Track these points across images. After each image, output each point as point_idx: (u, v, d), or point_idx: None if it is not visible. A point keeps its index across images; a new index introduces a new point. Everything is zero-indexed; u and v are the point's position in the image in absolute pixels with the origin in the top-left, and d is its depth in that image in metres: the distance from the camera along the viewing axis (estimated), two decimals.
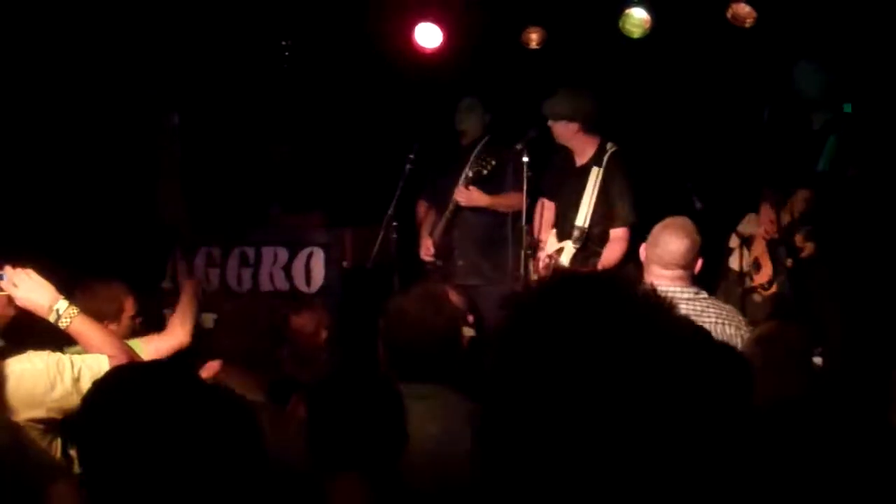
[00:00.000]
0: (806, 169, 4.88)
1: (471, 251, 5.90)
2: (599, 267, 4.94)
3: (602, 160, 5.20)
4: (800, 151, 5.00)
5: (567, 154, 5.26)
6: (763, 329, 3.41)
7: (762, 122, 5.29)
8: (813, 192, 4.80)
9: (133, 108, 6.62)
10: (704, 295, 3.58)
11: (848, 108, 5.45)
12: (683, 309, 3.43)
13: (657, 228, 3.67)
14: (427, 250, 6.09)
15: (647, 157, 6.52)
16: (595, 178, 5.17)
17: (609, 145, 5.23)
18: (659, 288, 3.57)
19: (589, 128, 5.27)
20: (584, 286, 1.20)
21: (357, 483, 2.09)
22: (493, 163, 5.57)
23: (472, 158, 5.90)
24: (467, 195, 5.76)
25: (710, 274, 5.76)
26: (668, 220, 3.72)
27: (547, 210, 5.44)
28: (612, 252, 5.12)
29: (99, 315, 3.52)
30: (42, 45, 5.62)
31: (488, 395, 1.20)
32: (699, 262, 3.65)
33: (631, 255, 5.07)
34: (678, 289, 3.50)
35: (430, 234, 6.09)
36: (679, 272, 3.54)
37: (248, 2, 6.18)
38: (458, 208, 5.87)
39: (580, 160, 5.29)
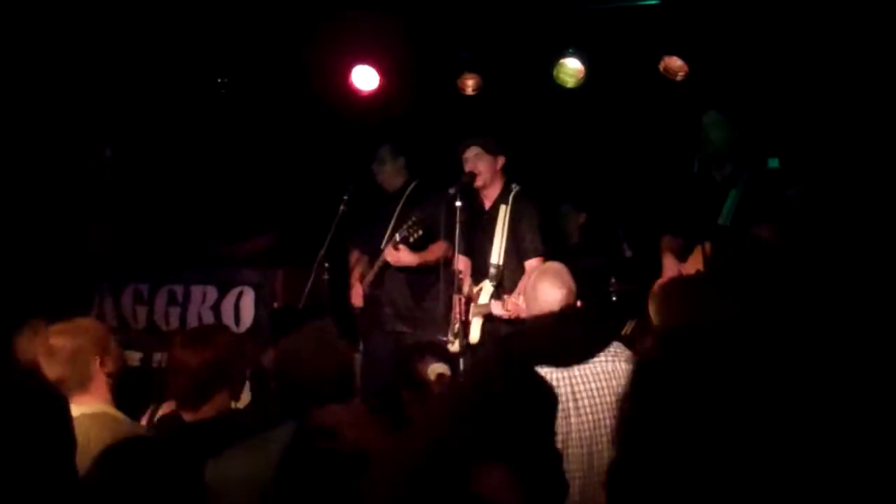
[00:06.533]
0: (708, 221, 4.96)
1: (399, 300, 5.86)
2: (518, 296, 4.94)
3: (508, 199, 5.31)
4: (702, 203, 5.08)
5: (470, 203, 5.22)
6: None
7: (692, 172, 5.38)
8: (715, 246, 4.85)
9: (66, 140, 6.54)
10: None
11: (774, 163, 5.56)
12: None
13: (533, 279, 3.67)
14: (357, 298, 6.06)
15: (579, 204, 6.63)
16: (503, 216, 5.27)
17: (513, 185, 5.31)
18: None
19: (503, 167, 5.34)
20: (701, 343, 1.33)
21: None
22: (420, 232, 5.48)
23: (397, 213, 5.84)
24: (395, 256, 5.69)
25: (639, 317, 5.85)
26: (543, 269, 3.74)
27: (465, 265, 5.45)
28: None
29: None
30: None
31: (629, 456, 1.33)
32: (578, 304, 3.68)
33: None
34: None
35: (361, 282, 6.05)
36: None
37: (186, 37, 6.14)
38: (388, 264, 5.82)
39: (487, 202, 5.36)
